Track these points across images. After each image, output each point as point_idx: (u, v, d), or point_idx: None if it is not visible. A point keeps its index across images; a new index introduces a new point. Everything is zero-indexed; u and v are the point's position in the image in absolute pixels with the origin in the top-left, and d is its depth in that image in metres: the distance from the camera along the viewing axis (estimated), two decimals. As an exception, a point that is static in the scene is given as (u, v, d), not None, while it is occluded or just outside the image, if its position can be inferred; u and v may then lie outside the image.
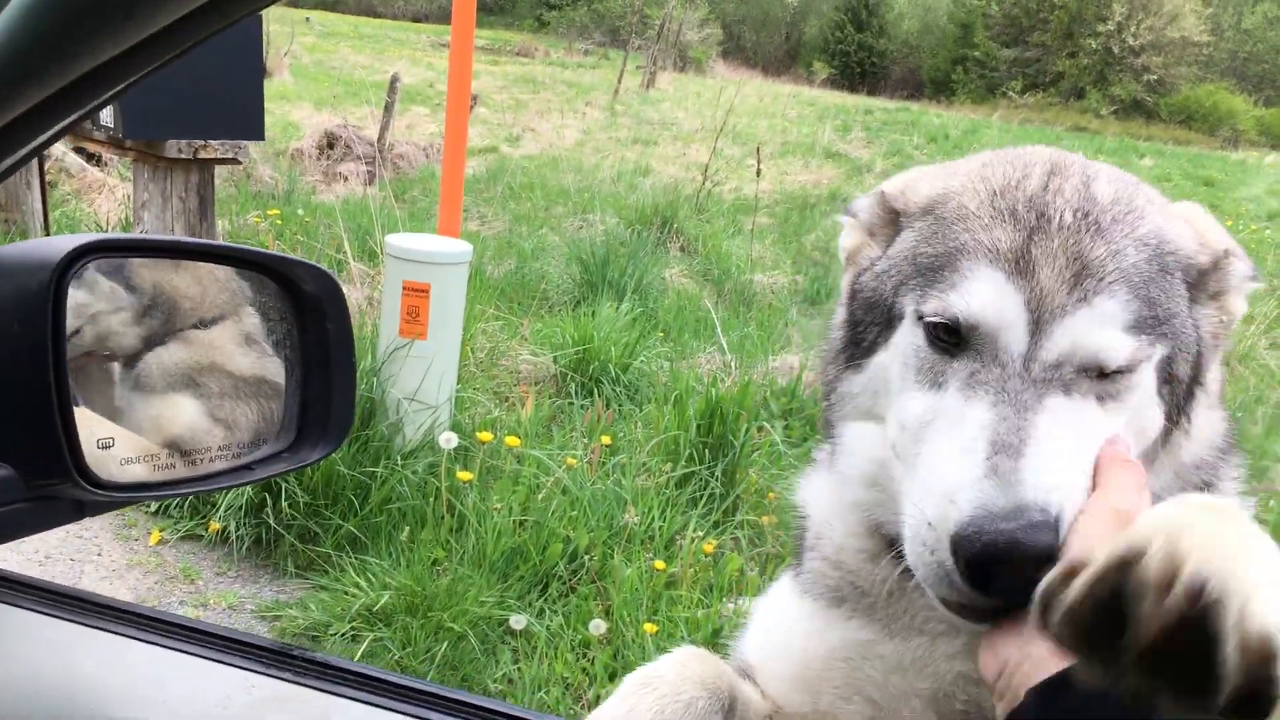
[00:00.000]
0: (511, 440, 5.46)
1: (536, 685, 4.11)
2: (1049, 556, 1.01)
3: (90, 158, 10.80)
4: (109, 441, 1.39)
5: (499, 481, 5.27)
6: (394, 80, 14.78)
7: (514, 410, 6.44)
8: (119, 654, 1.22)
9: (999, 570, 1.05)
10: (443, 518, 4.91)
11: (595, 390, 6.90)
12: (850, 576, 1.41)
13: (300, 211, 10.58)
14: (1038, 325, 1.16)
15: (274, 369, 1.58)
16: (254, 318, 1.57)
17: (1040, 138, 25.82)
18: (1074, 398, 1.16)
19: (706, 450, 5.69)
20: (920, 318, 1.23)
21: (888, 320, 1.30)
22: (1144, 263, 1.21)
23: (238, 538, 5.02)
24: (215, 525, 5.07)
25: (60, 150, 10.15)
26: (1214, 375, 1.34)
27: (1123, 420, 1.20)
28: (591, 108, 25.26)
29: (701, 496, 5.46)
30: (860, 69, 47.77)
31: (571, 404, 6.72)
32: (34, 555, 4.85)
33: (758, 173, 12.04)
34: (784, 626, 1.48)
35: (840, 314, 1.43)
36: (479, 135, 18.88)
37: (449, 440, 4.81)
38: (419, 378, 5.41)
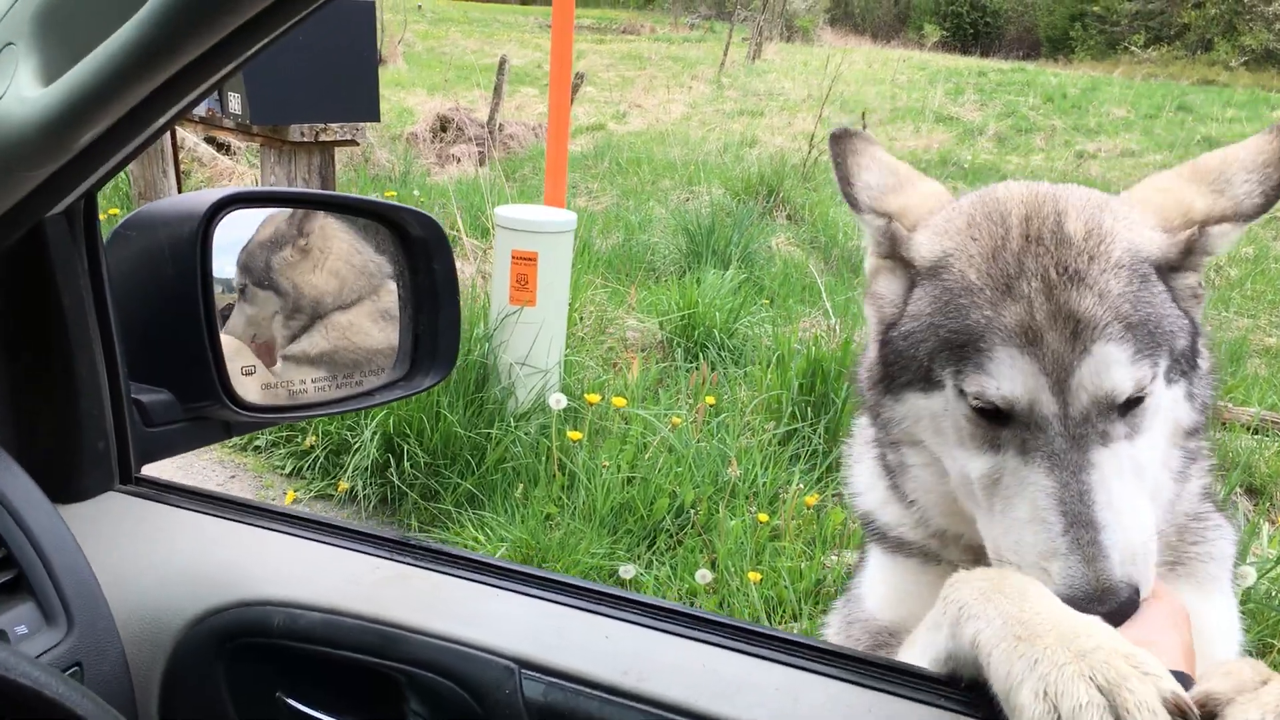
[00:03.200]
0: (618, 401, 5.65)
1: (645, 630, 4.28)
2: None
3: (220, 147, 11.40)
4: (251, 369, 1.61)
5: (607, 441, 5.46)
6: (503, 62, 15.08)
7: (621, 375, 6.63)
8: (261, 544, 1.41)
9: None
10: (554, 475, 5.13)
11: (700, 354, 7.04)
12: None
13: (416, 192, 10.96)
14: (1060, 386, 1.28)
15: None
16: (393, 295, 1.76)
17: (1165, 93, 24.83)
18: (1112, 445, 1.29)
19: (809, 408, 5.79)
20: (962, 393, 1.35)
21: (925, 378, 1.42)
22: (1124, 286, 1.31)
23: (364, 496, 5.34)
24: (344, 485, 5.39)
25: (193, 141, 10.73)
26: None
27: (1155, 441, 1.35)
28: (697, 81, 25.25)
29: (804, 453, 5.55)
30: (973, 30, 46.41)
31: (676, 368, 6.88)
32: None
33: (863, 138, 11.93)
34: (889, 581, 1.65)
35: (872, 351, 1.56)
36: (585, 114, 19.11)
37: (559, 401, 5.03)
38: (529, 343, 5.64)
